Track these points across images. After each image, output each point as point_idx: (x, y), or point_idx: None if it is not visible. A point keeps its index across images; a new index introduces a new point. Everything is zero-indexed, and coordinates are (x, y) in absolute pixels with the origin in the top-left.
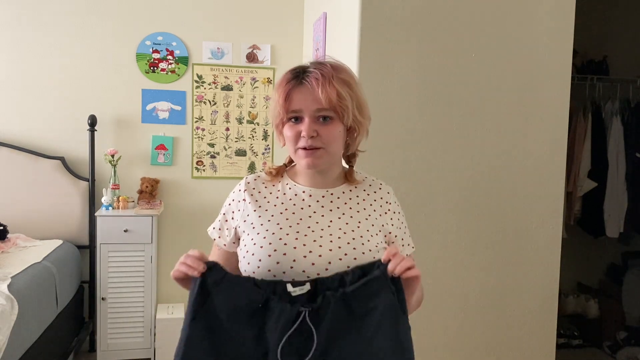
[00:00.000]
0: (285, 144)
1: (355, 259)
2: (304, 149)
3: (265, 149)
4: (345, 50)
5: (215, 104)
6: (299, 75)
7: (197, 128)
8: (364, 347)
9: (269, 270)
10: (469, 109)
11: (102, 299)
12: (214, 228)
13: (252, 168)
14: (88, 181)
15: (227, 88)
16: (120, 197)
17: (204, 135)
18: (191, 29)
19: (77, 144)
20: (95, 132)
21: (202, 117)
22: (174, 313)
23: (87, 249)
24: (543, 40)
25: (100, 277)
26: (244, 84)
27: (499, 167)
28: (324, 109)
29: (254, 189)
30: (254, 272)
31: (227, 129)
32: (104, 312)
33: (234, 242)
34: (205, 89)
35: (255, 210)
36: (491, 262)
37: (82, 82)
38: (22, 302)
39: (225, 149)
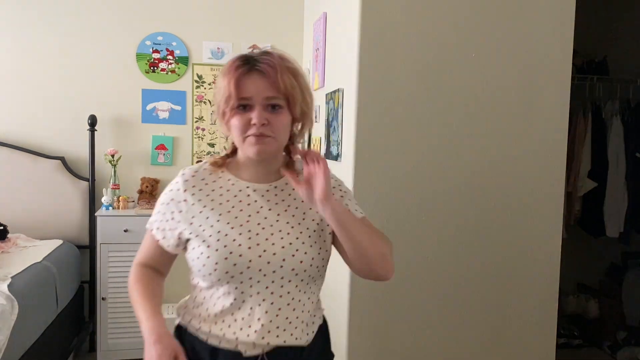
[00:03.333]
0: (228, 131)
1: (305, 253)
2: (254, 135)
3: None
4: (345, 50)
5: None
6: (249, 61)
7: (197, 128)
8: None
9: (227, 272)
10: (469, 109)
11: (102, 299)
12: (157, 228)
13: None
14: (88, 181)
15: None
16: (121, 197)
17: (204, 135)
18: (191, 29)
19: (77, 144)
20: (95, 132)
21: (202, 117)
22: (174, 313)
23: (87, 249)
24: (543, 40)
25: (100, 277)
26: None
27: (499, 167)
28: (275, 97)
29: (194, 186)
30: (210, 274)
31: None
32: (104, 312)
33: (178, 246)
34: (205, 89)
35: (201, 212)
36: (491, 262)
37: (82, 82)
38: (22, 302)
39: (225, 149)
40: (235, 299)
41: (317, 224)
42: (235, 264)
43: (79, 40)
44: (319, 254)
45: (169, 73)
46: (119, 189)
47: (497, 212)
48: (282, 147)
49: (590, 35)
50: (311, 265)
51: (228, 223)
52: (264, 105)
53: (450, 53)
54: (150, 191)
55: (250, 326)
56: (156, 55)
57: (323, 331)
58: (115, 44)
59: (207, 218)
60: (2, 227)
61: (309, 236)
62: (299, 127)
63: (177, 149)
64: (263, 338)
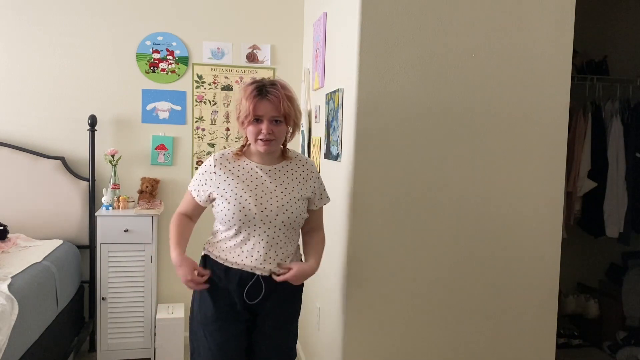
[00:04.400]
0: (245, 133)
1: (292, 212)
2: (263, 140)
3: None
4: (345, 50)
5: (215, 104)
6: (262, 91)
7: (197, 128)
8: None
9: (239, 219)
10: (468, 109)
11: (102, 298)
12: (194, 189)
13: None
14: (88, 181)
15: (227, 88)
16: (121, 197)
17: (204, 135)
18: (191, 29)
19: (77, 144)
20: (95, 132)
21: (202, 117)
22: (174, 313)
23: (87, 249)
24: (543, 40)
25: (100, 277)
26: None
27: (499, 166)
28: (278, 116)
29: (221, 164)
30: (229, 220)
31: (227, 129)
32: (104, 312)
33: (206, 201)
34: (205, 89)
35: (225, 180)
36: (491, 262)
37: (82, 82)
38: (22, 302)
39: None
40: (243, 238)
41: (302, 196)
42: (245, 215)
43: (79, 40)
44: (300, 213)
45: (169, 73)
46: (119, 189)
47: (497, 212)
48: (280, 144)
49: (590, 35)
50: (295, 220)
51: (242, 189)
52: (270, 121)
53: (450, 53)
54: (150, 191)
55: (252, 255)
56: (156, 56)
57: None
58: (115, 44)
59: (229, 185)
60: (2, 227)
61: (295, 202)
62: (291, 131)
63: (177, 149)
64: (261, 264)
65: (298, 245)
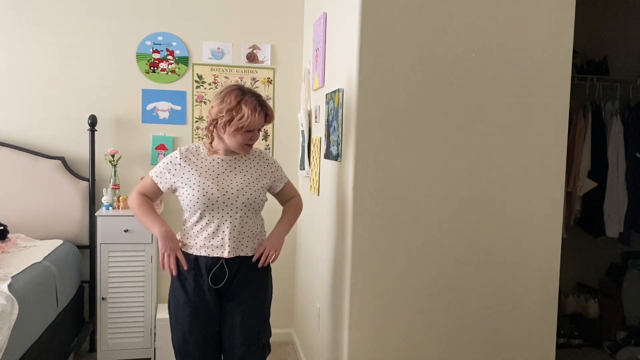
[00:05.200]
0: (224, 134)
1: (251, 194)
2: (248, 145)
3: (265, 149)
4: (345, 50)
5: None
6: (262, 109)
7: (197, 128)
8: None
9: (204, 204)
10: (469, 109)
11: (102, 299)
12: (156, 176)
13: None
14: (88, 181)
15: None
16: (121, 197)
17: (204, 135)
18: (191, 29)
19: (77, 144)
20: (95, 132)
21: (202, 117)
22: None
23: (88, 249)
24: (543, 40)
25: (100, 277)
26: (244, 84)
27: (499, 166)
28: (261, 128)
29: (187, 157)
30: (194, 205)
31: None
32: (104, 312)
33: (168, 189)
34: (205, 89)
35: (189, 171)
36: (491, 262)
37: (82, 82)
38: (23, 302)
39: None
40: (208, 221)
41: (260, 182)
42: (209, 198)
43: (79, 40)
44: (259, 196)
45: (169, 73)
46: (119, 189)
47: (497, 212)
48: None
49: (590, 35)
50: (254, 201)
51: (205, 177)
52: (257, 130)
53: (450, 53)
54: None
55: (218, 236)
56: (156, 56)
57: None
58: (115, 44)
59: (192, 175)
60: (2, 227)
61: (254, 185)
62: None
63: (177, 148)
64: (226, 244)
65: (261, 226)
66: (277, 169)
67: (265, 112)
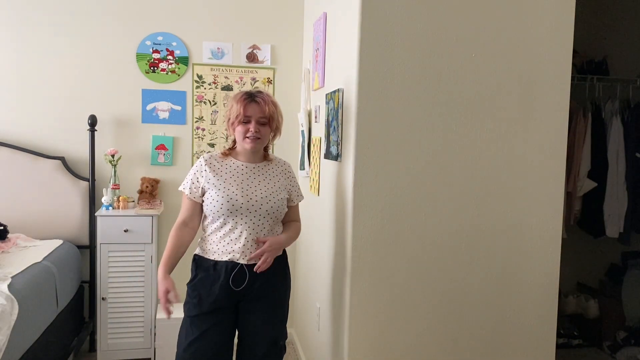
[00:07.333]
0: (234, 134)
1: (275, 203)
2: (250, 137)
3: None
4: (345, 50)
5: (215, 104)
6: (251, 96)
7: (197, 128)
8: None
9: (228, 209)
10: (469, 109)
11: (102, 299)
12: (184, 187)
13: None
14: (88, 181)
15: (227, 88)
16: (121, 197)
17: (204, 135)
18: (191, 29)
19: (77, 144)
20: (95, 132)
21: (202, 117)
22: (174, 313)
23: (87, 249)
24: (543, 40)
25: (100, 277)
26: (244, 84)
27: (499, 167)
28: (263, 117)
29: (210, 163)
30: (218, 211)
31: (227, 129)
32: (104, 312)
33: (201, 196)
34: (205, 89)
35: (214, 176)
36: (491, 262)
37: (82, 82)
38: (22, 302)
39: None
40: (230, 227)
41: (282, 191)
42: (233, 204)
43: (79, 40)
44: (281, 204)
45: (169, 73)
46: (119, 189)
47: (497, 212)
48: (264, 144)
49: (590, 35)
50: (277, 209)
51: (230, 183)
52: (257, 121)
53: (450, 53)
54: (150, 191)
55: (240, 242)
56: (156, 56)
57: (284, 257)
58: (115, 44)
59: (217, 180)
60: (2, 227)
61: (277, 194)
62: (273, 134)
63: (177, 149)
64: (248, 249)
65: (281, 233)
66: (296, 186)
67: (252, 99)
